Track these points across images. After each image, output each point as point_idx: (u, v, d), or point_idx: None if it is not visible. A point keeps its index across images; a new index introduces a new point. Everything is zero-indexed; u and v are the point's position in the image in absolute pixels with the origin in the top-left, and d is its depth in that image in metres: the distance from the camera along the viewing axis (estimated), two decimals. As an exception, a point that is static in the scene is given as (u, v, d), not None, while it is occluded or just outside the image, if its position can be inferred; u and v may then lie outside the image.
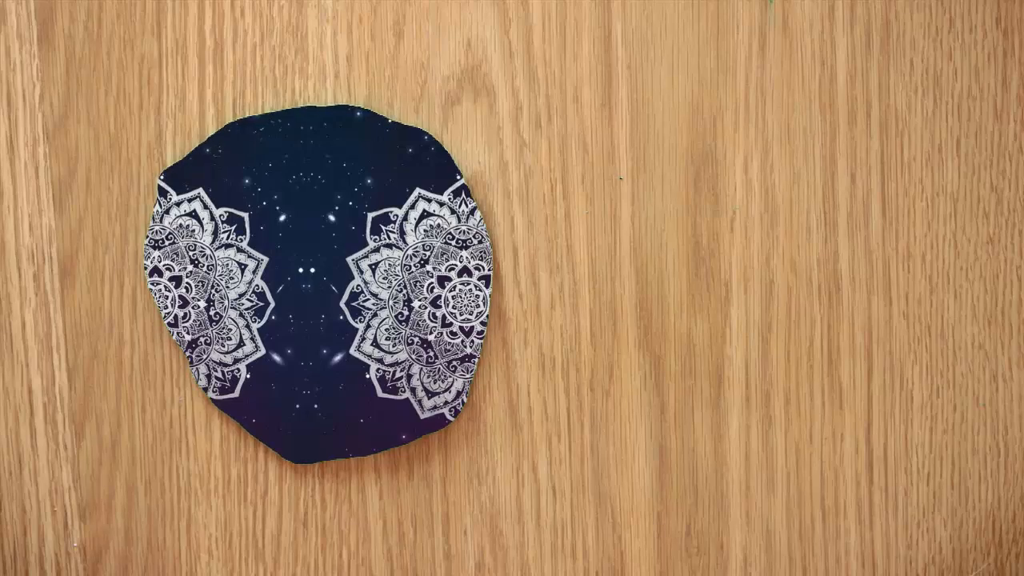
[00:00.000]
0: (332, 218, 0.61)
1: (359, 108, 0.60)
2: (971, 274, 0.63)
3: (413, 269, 0.61)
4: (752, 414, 0.63)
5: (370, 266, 0.61)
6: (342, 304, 0.61)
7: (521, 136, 0.61)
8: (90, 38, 0.61)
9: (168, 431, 0.63)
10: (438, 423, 0.62)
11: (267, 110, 0.61)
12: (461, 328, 0.61)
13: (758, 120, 0.61)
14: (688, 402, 0.63)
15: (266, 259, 0.61)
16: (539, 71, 0.61)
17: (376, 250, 0.61)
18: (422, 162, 0.60)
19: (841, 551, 0.64)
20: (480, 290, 0.61)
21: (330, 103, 0.61)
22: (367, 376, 0.62)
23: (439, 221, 0.61)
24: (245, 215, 0.61)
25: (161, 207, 0.61)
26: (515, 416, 0.63)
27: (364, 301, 0.61)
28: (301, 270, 0.61)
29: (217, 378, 0.62)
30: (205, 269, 0.61)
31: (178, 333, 0.62)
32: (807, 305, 0.62)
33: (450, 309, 0.61)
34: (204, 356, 0.62)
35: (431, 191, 0.61)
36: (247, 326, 0.61)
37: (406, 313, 0.61)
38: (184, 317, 0.61)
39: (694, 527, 0.64)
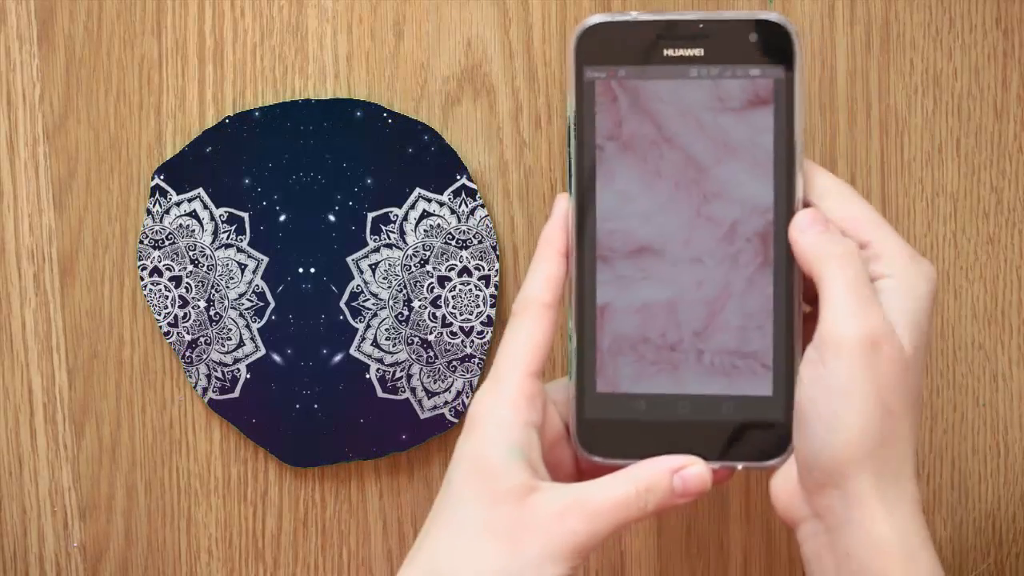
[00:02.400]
0: (332, 218, 0.61)
1: (359, 106, 0.60)
2: (971, 274, 0.63)
3: (413, 269, 0.61)
4: (752, 414, 0.63)
5: (370, 266, 0.61)
6: (342, 304, 0.61)
7: (521, 136, 0.61)
8: (90, 38, 0.61)
9: (168, 431, 0.63)
10: (438, 423, 0.62)
11: (267, 110, 0.61)
12: (461, 328, 0.61)
13: (758, 120, 0.61)
14: (688, 402, 0.63)
15: (266, 259, 0.61)
16: (539, 71, 0.61)
17: (376, 250, 0.61)
18: (422, 162, 0.60)
19: (841, 551, 0.64)
20: (480, 290, 0.61)
21: (330, 103, 0.61)
22: (367, 376, 0.62)
23: (439, 221, 0.61)
24: (245, 215, 0.61)
25: (161, 207, 0.61)
26: (515, 416, 0.63)
27: (364, 301, 0.61)
28: (301, 270, 0.61)
29: (217, 378, 0.62)
30: (205, 269, 0.61)
31: (178, 333, 0.62)
32: (807, 305, 0.62)
33: (450, 309, 0.61)
34: (204, 356, 0.62)
35: (431, 191, 0.61)
36: (247, 326, 0.61)
37: (406, 313, 0.61)
38: (184, 317, 0.61)
39: (694, 527, 0.64)
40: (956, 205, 0.62)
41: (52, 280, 0.62)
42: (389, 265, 0.61)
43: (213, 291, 0.61)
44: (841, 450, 0.45)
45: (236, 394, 0.62)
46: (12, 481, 0.64)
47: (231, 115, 0.60)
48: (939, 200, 0.62)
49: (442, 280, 0.61)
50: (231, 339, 0.62)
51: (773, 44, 0.51)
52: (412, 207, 0.61)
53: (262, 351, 0.62)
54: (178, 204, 0.61)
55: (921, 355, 0.47)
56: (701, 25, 0.52)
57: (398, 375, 0.62)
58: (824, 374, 0.46)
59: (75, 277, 0.62)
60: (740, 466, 0.52)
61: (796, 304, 0.52)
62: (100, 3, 0.60)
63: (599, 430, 0.52)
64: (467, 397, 0.62)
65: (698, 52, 0.52)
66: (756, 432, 0.52)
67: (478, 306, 0.61)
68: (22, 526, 0.64)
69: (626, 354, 0.53)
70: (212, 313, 0.61)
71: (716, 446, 0.52)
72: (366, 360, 0.62)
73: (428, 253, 0.61)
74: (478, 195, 0.61)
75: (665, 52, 0.52)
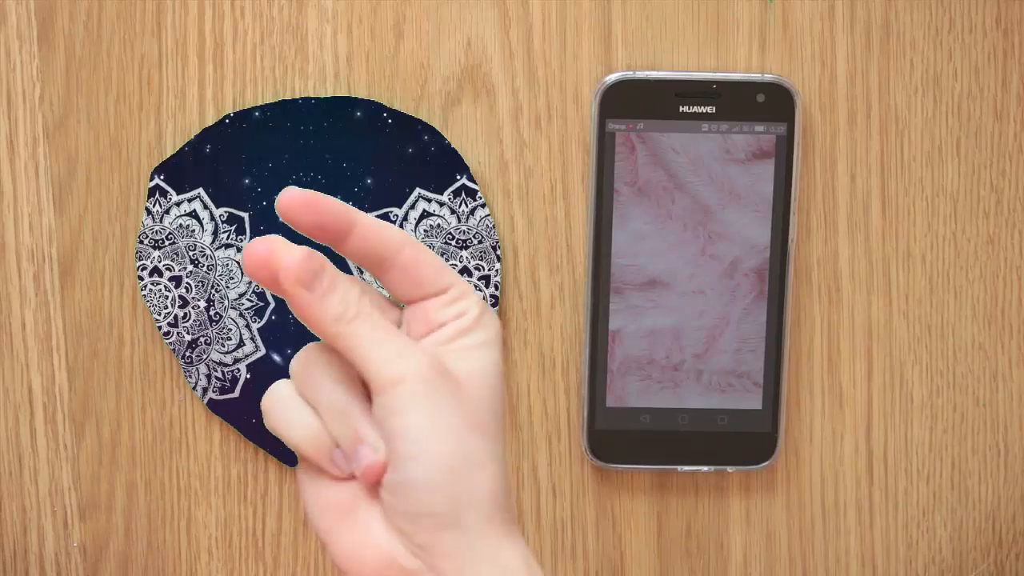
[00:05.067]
0: (332, 218, 0.61)
1: (359, 105, 0.60)
2: (971, 274, 0.63)
3: (413, 269, 0.61)
4: (752, 414, 0.63)
5: (370, 266, 0.61)
6: (342, 304, 0.61)
7: (521, 136, 0.61)
8: (90, 38, 0.61)
9: (168, 431, 0.63)
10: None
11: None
12: (461, 328, 0.61)
13: (758, 120, 0.61)
14: (688, 402, 0.63)
15: (266, 259, 0.61)
16: (539, 71, 0.61)
17: (376, 250, 0.61)
18: (422, 162, 0.60)
19: (841, 551, 0.64)
20: (480, 290, 0.61)
21: (330, 103, 0.61)
22: (367, 376, 0.62)
23: (439, 221, 0.61)
24: (245, 215, 0.61)
25: (161, 207, 0.61)
26: (515, 416, 0.63)
27: (364, 301, 0.61)
28: (301, 270, 0.61)
29: (217, 378, 0.62)
30: (205, 269, 0.61)
31: (178, 333, 0.62)
32: (807, 305, 0.62)
33: (450, 309, 0.61)
34: (204, 356, 0.62)
35: (431, 191, 0.61)
36: (247, 326, 0.61)
37: (406, 313, 0.61)
38: (184, 317, 0.61)
39: (694, 527, 0.64)
40: (956, 205, 0.62)
41: (52, 280, 0.62)
42: (389, 265, 0.61)
43: (213, 291, 0.61)
44: (443, 484, 0.40)
45: (236, 394, 0.62)
46: (12, 481, 0.64)
47: (231, 114, 0.60)
48: (939, 200, 0.62)
49: (442, 280, 0.61)
50: (231, 339, 0.62)
51: (777, 104, 0.58)
52: (412, 207, 0.61)
53: (262, 351, 0.62)
54: (178, 204, 0.61)
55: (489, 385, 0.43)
56: (715, 85, 0.58)
57: (398, 375, 0.62)
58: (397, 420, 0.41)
59: (75, 277, 0.62)
60: (731, 469, 0.61)
61: (786, 329, 0.60)
62: (100, 3, 0.60)
63: (607, 440, 0.60)
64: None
65: (710, 109, 0.58)
66: (747, 440, 0.61)
67: (478, 306, 0.61)
68: (22, 526, 0.64)
69: (634, 373, 0.60)
70: (212, 313, 0.61)
71: (712, 452, 0.61)
72: (366, 360, 0.61)
73: (428, 253, 0.61)
74: (479, 195, 0.61)
75: (681, 108, 0.58)
